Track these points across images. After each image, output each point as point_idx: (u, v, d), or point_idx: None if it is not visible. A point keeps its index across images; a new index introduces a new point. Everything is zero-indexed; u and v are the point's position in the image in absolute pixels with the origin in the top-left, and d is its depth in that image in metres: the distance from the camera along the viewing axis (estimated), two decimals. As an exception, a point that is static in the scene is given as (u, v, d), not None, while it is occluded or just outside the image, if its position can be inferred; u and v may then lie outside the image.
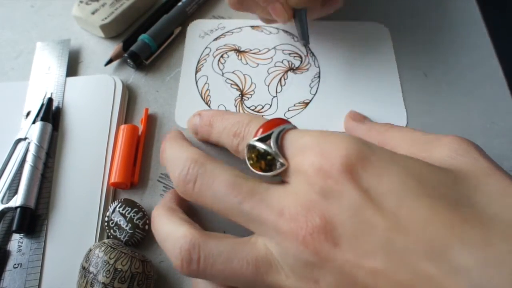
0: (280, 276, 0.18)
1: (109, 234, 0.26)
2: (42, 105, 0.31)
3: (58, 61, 0.34)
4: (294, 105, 0.32)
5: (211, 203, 0.20)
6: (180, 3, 0.37)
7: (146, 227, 0.26)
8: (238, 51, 0.35)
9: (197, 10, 0.38)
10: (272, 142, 0.20)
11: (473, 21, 0.35)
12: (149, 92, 0.33)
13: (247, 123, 0.22)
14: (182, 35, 0.36)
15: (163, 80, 0.34)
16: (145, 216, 0.26)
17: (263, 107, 0.32)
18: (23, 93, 0.32)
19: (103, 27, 0.35)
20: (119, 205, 0.26)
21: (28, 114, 0.31)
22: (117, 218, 0.26)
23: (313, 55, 0.34)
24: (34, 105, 0.31)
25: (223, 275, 0.19)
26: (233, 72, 0.34)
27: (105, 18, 0.35)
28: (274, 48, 0.35)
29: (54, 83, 0.33)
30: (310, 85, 0.33)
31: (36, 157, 0.28)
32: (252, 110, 0.32)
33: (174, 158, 0.23)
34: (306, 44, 0.31)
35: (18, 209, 0.26)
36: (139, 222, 0.26)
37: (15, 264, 0.25)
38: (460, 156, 0.20)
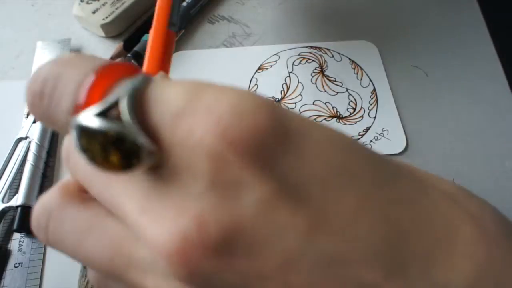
0: (145, 279, 0.13)
1: (111, 233, 0.25)
2: (43, 104, 0.31)
3: (58, 60, 0.34)
4: None
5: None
6: (183, 4, 0.36)
7: (148, 226, 0.26)
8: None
9: (200, 11, 0.38)
10: (126, 114, 0.11)
11: (474, 20, 0.35)
12: (150, 91, 0.33)
13: (56, 76, 0.13)
14: (184, 36, 0.36)
15: (164, 80, 0.34)
16: (147, 215, 0.26)
17: None
18: (24, 92, 0.32)
19: (104, 27, 0.35)
20: (120, 204, 0.26)
21: (29, 113, 0.31)
22: (118, 217, 0.26)
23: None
24: (35, 104, 0.31)
25: (74, 254, 0.14)
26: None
27: (106, 17, 0.35)
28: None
29: (55, 82, 0.33)
30: None
31: (37, 156, 0.28)
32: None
33: None
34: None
35: (19, 208, 0.26)
36: (141, 221, 0.26)
37: (16, 264, 0.25)
38: None
